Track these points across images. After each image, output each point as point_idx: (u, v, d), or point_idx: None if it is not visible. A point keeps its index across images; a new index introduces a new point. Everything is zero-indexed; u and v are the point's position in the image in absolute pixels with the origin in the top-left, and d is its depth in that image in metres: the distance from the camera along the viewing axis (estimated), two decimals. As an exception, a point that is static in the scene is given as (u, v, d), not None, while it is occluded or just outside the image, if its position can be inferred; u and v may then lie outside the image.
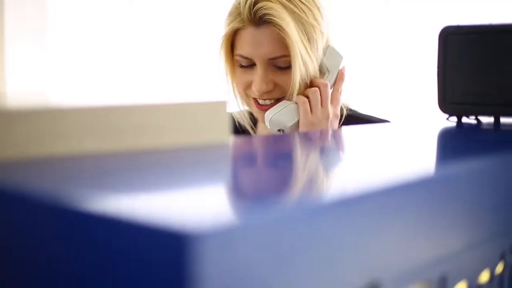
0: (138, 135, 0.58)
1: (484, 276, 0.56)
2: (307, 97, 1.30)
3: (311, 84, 1.32)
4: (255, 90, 1.31)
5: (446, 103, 0.94)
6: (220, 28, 1.38)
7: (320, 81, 1.32)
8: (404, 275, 0.46)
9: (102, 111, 0.56)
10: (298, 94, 1.31)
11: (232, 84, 1.36)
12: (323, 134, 0.85)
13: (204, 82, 3.53)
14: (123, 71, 3.74)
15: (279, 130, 1.32)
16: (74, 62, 3.67)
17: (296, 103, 1.30)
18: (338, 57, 1.35)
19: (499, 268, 0.58)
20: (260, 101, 1.33)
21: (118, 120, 0.57)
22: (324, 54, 1.34)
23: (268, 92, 1.32)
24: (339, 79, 1.36)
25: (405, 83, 3.56)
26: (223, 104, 0.63)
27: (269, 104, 1.33)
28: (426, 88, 2.90)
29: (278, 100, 1.33)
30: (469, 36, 0.92)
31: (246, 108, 1.43)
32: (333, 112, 1.33)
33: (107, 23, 3.76)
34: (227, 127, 0.63)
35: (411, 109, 3.37)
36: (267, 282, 0.36)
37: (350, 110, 1.43)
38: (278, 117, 1.30)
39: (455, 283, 0.52)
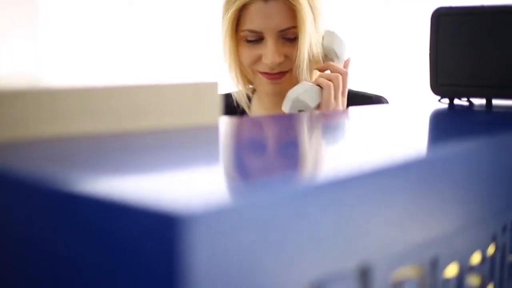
0: (128, 116, 0.57)
1: (476, 258, 0.56)
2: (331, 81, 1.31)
3: (331, 69, 1.32)
4: (267, 62, 1.32)
5: (438, 85, 0.94)
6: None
7: (342, 68, 1.33)
8: (395, 257, 0.46)
9: (92, 93, 0.56)
10: (311, 72, 1.34)
11: (234, 62, 1.37)
12: (314, 115, 0.85)
13: (198, 68, 3.52)
14: (113, 60, 3.73)
15: (299, 110, 1.32)
16: (65, 54, 3.66)
17: (318, 85, 1.31)
18: (345, 45, 1.36)
19: (491, 249, 0.58)
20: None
21: (108, 101, 0.56)
22: (332, 39, 1.35)
23: (279, 64, 1.33)
24: (345, 67, 1.37)
25: (397, 65, 3.56)
26: (214, 85, 0.63)
27: (278, 75, 1.34)
28: (418, 70, 2.89)
29: (287, 73, 1.35)
30: (461, 18, 0.91)
31: (244, 87, 1.43)
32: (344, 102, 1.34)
33: (98, 12, 3.75)
34: (218, 108, 0.63)
35: (403, 91, 3.37)
36: (259, 264, 0.36)
37: None
38: (302, 97, 1.30)
39: (446, 264, 0.52)
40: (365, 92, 1.46)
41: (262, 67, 1.35)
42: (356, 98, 1.42)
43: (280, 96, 1.39)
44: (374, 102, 1.43)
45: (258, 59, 1.35)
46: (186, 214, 0.32)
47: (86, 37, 3.71)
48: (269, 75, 1.35)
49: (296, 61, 1.32)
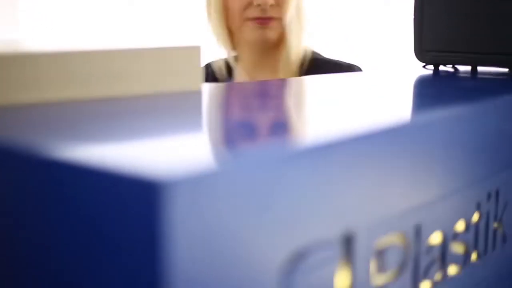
0: (109, 81, 0.56)
1: (460, 226, 0.55)
2: None
3: None
4: (260, 2, 1.33)
5: (423, 52, 0.93)
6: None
7: None
8: (379, 225, 0.46)
9: (71, 57, 0.55)
10: (300, 24, 1.38)
11: (221, 11, 1.37)
12: (298, 81, 0.84)
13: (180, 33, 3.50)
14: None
15: None
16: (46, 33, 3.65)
17: None
18: None
19: (475, 217, 0.57)
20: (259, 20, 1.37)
21: (88, 66, 0.55)
22: None
23: (271, 6, 1.35)
24: None
25: (381, 31, 3.55)
26: (196, 49, 0.62)
27: (268, 19, 1.35)
28: (402, 36, 2.89)
29: (276, 19, 1.36)
30: (447, -17, 0.90)
31: (230, 44, 1.43)
32: None
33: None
34: (200, 73, 0.62)
35: (387, 57, 3.37)
36: (239, 230, 0.35)
37: (314, 53, 1.44)
38: None
39: (430, 232, 0.51)
40: (337, 60, 1.46)
41: (252, 12, 1.35)
42: (326, 65, 1.42)
43: (265, 57, 1.39)
44: (344, 70, 1.42)
45: (248, 5, 1.35)
46: (166, 180, 0.31)
47: (65, 21, 3.70)
48: (259, 19, 1.35)
49: (287, 4, 1.33)
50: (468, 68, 0.91)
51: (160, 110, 0.52)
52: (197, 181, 0.32)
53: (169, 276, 0.32)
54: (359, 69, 1.44)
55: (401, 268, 0.49)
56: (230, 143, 0.42)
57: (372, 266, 0.46)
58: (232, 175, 0.34)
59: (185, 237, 0.32)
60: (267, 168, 0.36)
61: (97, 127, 0.45)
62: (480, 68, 0.91)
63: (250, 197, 0.35)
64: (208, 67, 1.49)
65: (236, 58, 1.47)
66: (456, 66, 0.92)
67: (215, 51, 1.43)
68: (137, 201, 0.32)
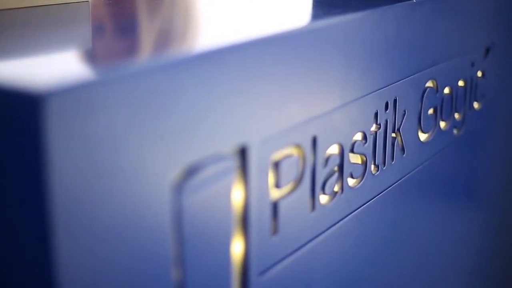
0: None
1: (357, 137, 0.55)
2: None
3: None
4: None
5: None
6: None
7: None
8: (274, 137, 0.44)
9: None
10: None
11: None
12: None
13: None
14: None
15: None
16: None
17: None
18: None
19: (373, 128, 0.57)
20: None
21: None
22: None
23: None
24: None
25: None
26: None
27: None
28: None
29: None
30: None
31: None
32: None
33: None
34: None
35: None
36: (127, 143, 0.33)
37: None
38: None
39: (327, 144, 0.50)
40: None
41: None
42: None
43: None
44: None
45: None
46: (41, 92, 0.29)
47: None
48: None
49: None
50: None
51: (43, 22, 0.49)
52: (78, 91, 0.30)
53: (52, 190, 0.30)
54: None
55: (299, 181, 0.48)
56: (115, 53, 0.39)
57: (269, 179, 0.44)
58: (117, 85, 0.32)
59: (67, 150, 0.30)
60: (155, 78, 0.34)
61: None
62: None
63: (137, 109, 0.33)
64: None
65: None
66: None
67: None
68: (15, 114, 0.30)
